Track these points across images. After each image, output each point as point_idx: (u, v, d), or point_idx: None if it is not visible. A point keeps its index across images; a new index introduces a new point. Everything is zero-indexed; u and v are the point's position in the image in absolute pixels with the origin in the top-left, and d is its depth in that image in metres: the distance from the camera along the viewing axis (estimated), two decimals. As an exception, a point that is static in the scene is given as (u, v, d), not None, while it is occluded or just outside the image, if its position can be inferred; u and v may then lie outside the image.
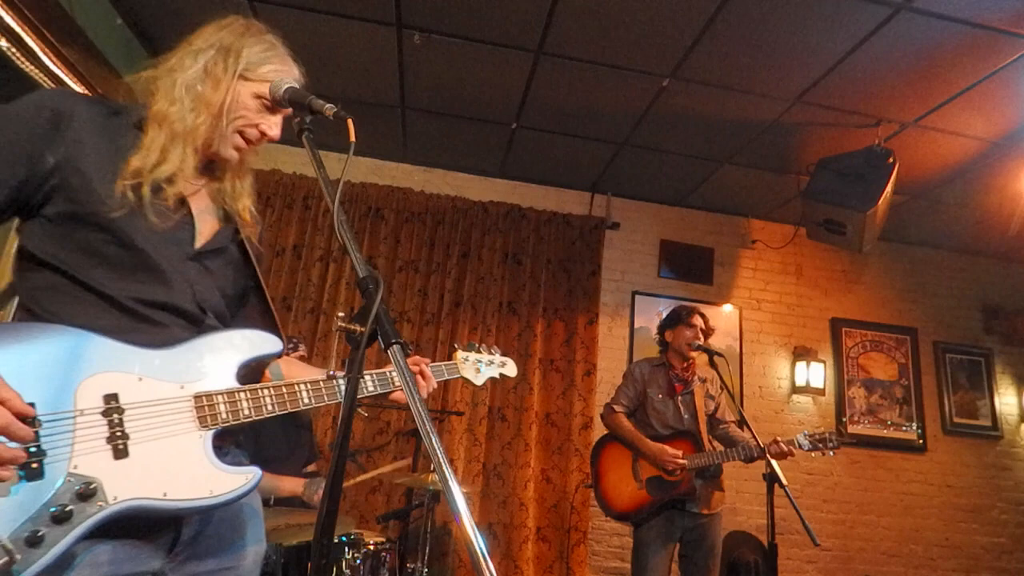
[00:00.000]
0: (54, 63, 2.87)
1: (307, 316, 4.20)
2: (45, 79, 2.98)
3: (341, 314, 0.99)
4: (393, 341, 0.94)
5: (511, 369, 1.85)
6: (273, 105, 1.19)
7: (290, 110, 1.17)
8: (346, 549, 2.53)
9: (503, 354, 1.85)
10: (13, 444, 0.85)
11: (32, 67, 2.89)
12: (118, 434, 0.96)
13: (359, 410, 3.69)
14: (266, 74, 1.17)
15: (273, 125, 1.20)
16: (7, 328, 0.95)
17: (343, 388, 1.23)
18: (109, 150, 1.07)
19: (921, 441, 4.79)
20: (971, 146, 3.80)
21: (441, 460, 0.82)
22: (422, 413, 0.86)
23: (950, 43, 2.96)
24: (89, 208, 1.02)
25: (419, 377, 1.45)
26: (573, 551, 4.09)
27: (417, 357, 1.47)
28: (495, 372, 1.80)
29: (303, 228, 4.38)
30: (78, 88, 3.07)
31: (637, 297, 4.74)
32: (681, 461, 2.92)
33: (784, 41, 3.07)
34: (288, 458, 2.88)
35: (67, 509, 0.88)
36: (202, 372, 1.08)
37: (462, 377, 1.70)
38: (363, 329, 0.93)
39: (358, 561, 2.54)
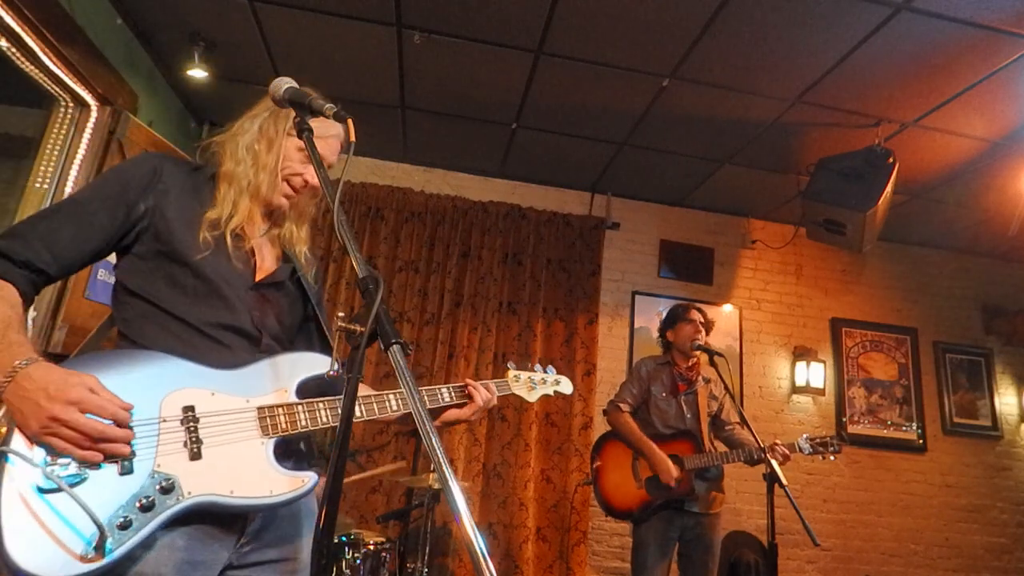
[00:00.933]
0: (54, 63, 2.87)
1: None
2: (45, 79, 2.98)
3: (341, 314, 0.99)
4: (393, 341, 0.94)
5: (566, 387, 1.86)
6: (273, 100, 1.31)
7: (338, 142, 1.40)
8: (346, 549, 2.53)
9: (559, 371, 1.85)
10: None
11: (32, 67, 2.89)
12: (194, 439, 1.12)
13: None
14: (321, 108, 1.26)
15: (311, 173, 1.37)
16: (111, 353, 1.17)
17: (392, 402, 1.38)
18: (190, 200, 1.30)
19: (921, 441, 4.79)
20: (971, 146, 3.80)
21: (441, 460, 0.82)
22: (422, 413, 0.87)
23: (950, 43, 2.96)
24: (171, 247, 1.23)
25: (479, 388, 1.54)
26: (573, 551, 4.09)
27: (469, 380, 1.58)
28: (549, 390, 1.83)
29: (303, 228, 4.37)
30: (78, 88, 3.07)
31: (637, 297, 4.74)
32: (676, 475, 2.90)
33: (784, 41, 3.07)
34: (308, 460, 2.87)
35: (151, 500, 1.04)
36: (265, 388, 1.24)
37: (514, 394, 1.74)
38: (363, 329, 0.93)
39: (358, 561, 2.54)
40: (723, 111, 3.70)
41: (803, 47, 3.10)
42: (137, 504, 1.03)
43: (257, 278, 1.34)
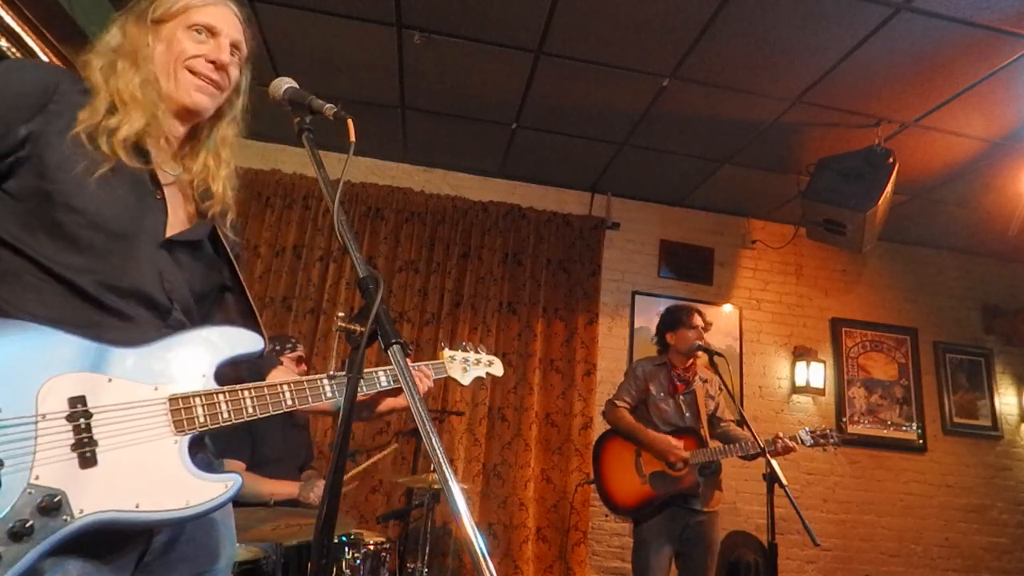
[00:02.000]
0: (54, 63, 2.87)
1: (307, 316, 4.20)
2: (45, 79, 2.98)
3: (341, 314, 0.99)
4: (393, 341, 0.94)
5: (497, 368, 1.78)
6: (209, 31, 1.14)
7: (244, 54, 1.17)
8: (346, 549, 2.52)
9: (491, 353, 1.82)
10: None
11: (32, 67, 2.89)
12: (85, 440, 0.88)
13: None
14: (179, 7, 1.12)
15: (219, 49, 1.14)
16: None
17: (327, 389, 1.19)
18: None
19: (921, 441, 4.79)
20: (971, 146, 3.80)
21: (441, 460, 0.82)
22: (422, 413, 0.86)
23: (950, 43, 2.96)
24: (62, 187, 0.95)
25: (419, 374, 1.42)
26: (573, 551, 4.09)
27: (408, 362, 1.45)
28: (482, 371, 1.75)
29: (303, 228, 4.38)
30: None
31: (637, 297, 4.74)
32: (684, 454, 2.94)
33: (784, 41, 3.07)
34: (284, 459, 2.88)
35: (28, 524, 0.80)
36: (177, 372, 1.00)
37: (449, 376, 1.66)
38: (363, 329, 0.93)
39: (358, 561, 2.54)
40: (723, 111, 3.70)
41: (803, 47, 3.10)
42: (7, 531, 0.79)
43: (168, 233, 1.08)
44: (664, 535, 2.97)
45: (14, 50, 2.77)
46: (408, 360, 1.44)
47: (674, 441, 2.97)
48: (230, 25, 1.17)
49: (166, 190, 1.10)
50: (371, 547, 2.60)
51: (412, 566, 3.04)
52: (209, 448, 1.15)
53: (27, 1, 2.53)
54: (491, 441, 4.22)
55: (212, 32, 1.14)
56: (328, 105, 1.14)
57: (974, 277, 5.27)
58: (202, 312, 1.16)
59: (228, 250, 1.19)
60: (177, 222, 1.11)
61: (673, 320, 3.24)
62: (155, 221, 1.06)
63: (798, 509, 2.42)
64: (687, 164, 4.37)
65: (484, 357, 1.75)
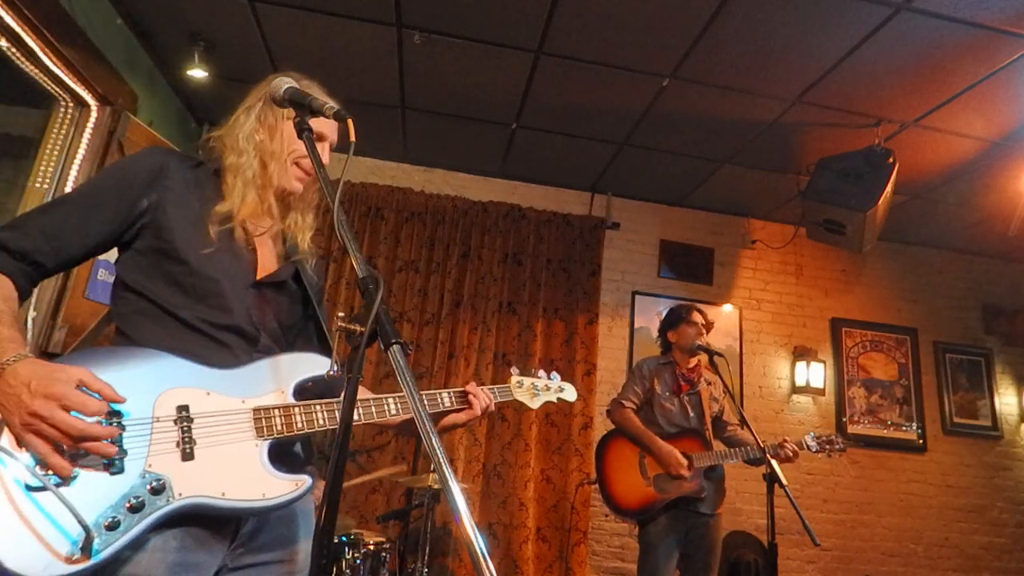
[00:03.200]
0: (54, 63, 2.87)
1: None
2: (45, 79, 2.98)
3: (341, 314, 0.99)
4: (393, 341, 0.94)
5: (570, 394, 1.81)
6: (319, 136, 1.36)
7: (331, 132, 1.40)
8: (346, 549, 2.53)
9: (563, 379, 1.81)
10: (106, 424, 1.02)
11: (32, 67, 2.89)
12: (186, 439, 1.10)
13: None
14: (321, 107, 1.26)
15: (324, 154, 1.37)
16: (105, 350, 1.15)
17: (391, 406, 1.36)
18: (192, 196, 1.28)
19: (921, 441, 4.79)
20: (971, 146, 3.80)
21: (441, 460, 0.82)
22: (422, 413, 0.87)
23: (950, 43, 2.96)
24: (172, 244, 1.21)
25: (478, 394, 1.53)
26: (573, 551, 4.09)
27: (469, 387, 1.55)
28: (553, 397, 1.78)
29: (303, 228, 4.37)
30: (78, 88, 3.07)
31: (637, 297, 4.74)
32: (685, 470, 2.91)
33: (784, 41, 3.07)
34: (303, 463, 2.87)
35: (140, 500, 1.03)
36: (262, 389, 1.22)
37: (516, 400, 1.71)
38: (363, 329, 0.93)
39: (358, 561, 2.54)
40: (723, 111, 3.70)
41: (803, 47, 3.10)
42: (126, 504, 1.01)
43: (258, 276, 1.31)
44: (671, 538, 2.95)
45: (14, 50, 2.77)
46: (410, 360, 1.47)
47: (680, 456, 2.92)
48: (334, 137, 1.44)
49: (257, 241, 1.33)
50: (371, 547, 2.60)
51: (412, 566, 3.05)
52: (298, 455, 1.33)
53: (27, 1, 2.53)
54: (491, 441, 4.22)
55: (320, 139, 1.39)
56: (328, 105, 1.15)
57: (974, 277, 5.27)
58: (289, 339, 1.37)
59: (308, 288, 1.40)
60: (265, 266, 1.33)
61: (674, 318, 3.24)
62: (246, 267, 1.30)
63: (798, 509, 2.42)
64: (687, 164, 4.37)
65: (555, 383, 1.80)
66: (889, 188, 3.56)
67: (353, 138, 1.07)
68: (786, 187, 4.45)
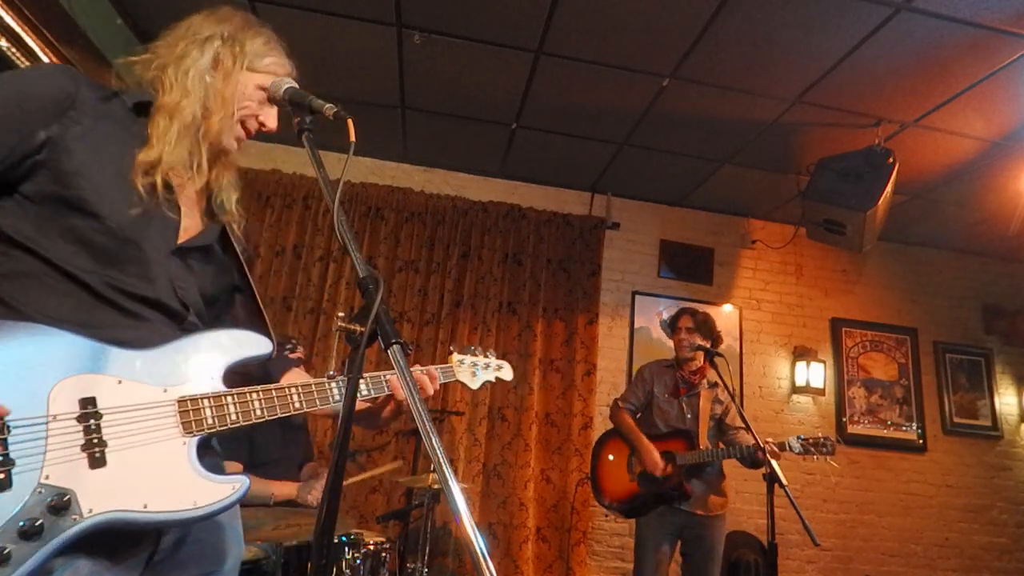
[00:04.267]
0: (54, 63, 2.87)
1: (307, 316, 4.20)
2: (45, 79, 2.98)
3: (341, 314, 0.98)
4: (393, 341, 0.94)
5: (507, 373, 1.77)
6: (271, 97, 1.20)
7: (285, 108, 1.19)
8: (346, 549, 2.52)
9: (500, 356, 1.81)
10: None
11: (32, 67, 2.89)
12: (95, 441, 0.89)
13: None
14: (268, 66, 1.19)
15: (272, 117, 1.21)
16: None
17: (335, 392, 1.19)
18: (108, 135, 1.05)
19: (921, 441, 4.79)
20: (971, 146, 3.80)
21: (441, 460, 0.82)
22: (422, 413, 0.86)
23: (950, 43, 2.96)
24: (78, 193, 0.97)
25: (424, 377, 1.36)
26: (573, 551, 4.09)
27: (417, 366, 1.42)
28: (491, 376, 1.73)
29: (303, 228, 4.38)
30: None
31: (637, 297, 4.74)
32: (658, 468, 2.98)
33: (784, 41, 3.07)
34: (283, 459, 2.87)
35: (37, 523, 0.82)
36: (187, 375, 1.02)
37: (458, 381, 1.64)
38: (363, 329, 0.93)
39: (358, 561, 2.54)
40: (723, 111, 3.70)
41: (803, 47, 3.10)
42: (17, 530, 0.80)
43: (180, 240, 1.10)
44: (659, 533, 3.03)
45: (14, 50, 2.76)
46: (410, 360, 1.41)
47: (656, 457, 3.00)
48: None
49: (178, 196, 1.12)
50: (371, 547, 2.60)
51: (412, 566, 3.04)
52: (217, 451, 1.16)
53: (27, 1, 2.53)
54: (491, 441, 4.22)
55: (272, 100, 1.21)
56: (328, 105, 1.15)
57: (974, 277, 5.26)
58: (213, 314, 1.18)
59: (238, 251, 1.20)
60: (190, 227, 1.13)
61: (669, 325, 3.34)
62: (167, 229, 1.08)
63: (798, 509, 2.42)
64: (687, 164, 4.37)
65: (493, 361, 1.73)
66: (889, 188, 3.56)
67: (353, 138, 1.06)
68: (786, 187, 4.45)
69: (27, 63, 2.85)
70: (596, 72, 3.45)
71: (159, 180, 1.05)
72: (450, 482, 0.80)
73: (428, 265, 4.45)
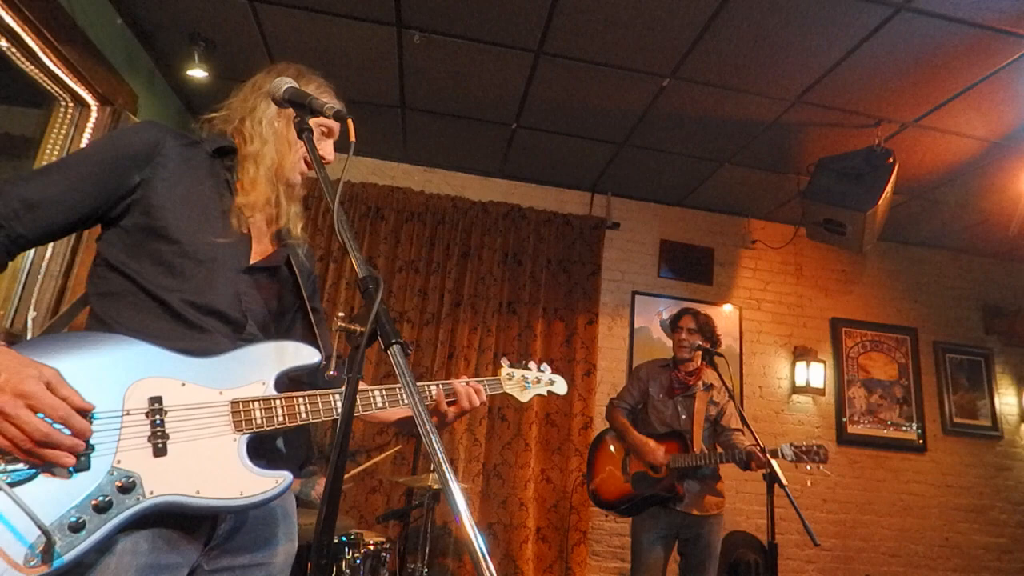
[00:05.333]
0: (54, 63, 2.87)
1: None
2: (45, 79, 2.98)
3: (341, 314, 1.00)
4: (393, 341, 0.94)
5: (561, 387, 1.77)
6: (329, 132, 1.38)
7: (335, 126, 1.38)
8: (346, 549, 2.53)
9: (554, 371, 1.80)
10: (70, 434, 0.95)
11: (32, 67, 2.89)
12: (159, 433, 1.03)
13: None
14: (321, 107, 1.26)
15: (329, 150, 1.39)
16: (73, 336, 1.08)
17: (377, 399, 1.31)
18: (188, 176, 1.23)
19: (921, 441, 4.79)
20: (971, 146, 3.80)
21: (441, 460, 0.82)
22: (422, 413, 0.86)
23: (950, 43, 2.96)
24: (163, 223, 1.15)
25: (470, 390, 1.46)
26: (573, 551, 4.09)
27: (464, 377, 1.51)
28: (543, 390, 1.73)
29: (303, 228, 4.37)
30: (78, 88, 3.07)
31: (637, 297, 4.74)
32: (661, 458, 2.99)
33: (784, 41, 3.07)
34: (284, 459, 2.87)
35: (108, 500, 0.96)
36: (241, 380, 1.15)
37: (505, 392, 1.66)
38: (363, 329, 0.93)
39: (358, 561, 2.54)
40: (723, 111, 3.70)
41: (803, 47, 3.10)
42: (92, 504, 0.94)
43: (251, 261, 1.27)
44: (654, 532, 3.04)
45: (14, 50, 2.77)
46: (410, 360, 1.43)
47: (653, 444, 3.04)
48: (338, 133, 1.40)
49: (251, 225, 1.29)
50: (371, 547, 2.60)
51: (412, 566, 3.05)
52: (279, 451, 1.29)
53: (27, 1, 2.53)
54: (491, 441, 4.21)
55: (330, 135, 1.40)
56: (328, 105, 1.15)
57: (974, 277, 5.26)
58: (282, 327, 1.35)
59: (299, 274, 1.36)
60: (261, 250, 1.30)
61: (670, 325, 3.33)
62: (241, 252, 1.25)
63: (798, 509, 2.42)
64: (687, 164, 4.37)
65: (546, 376, 1.76)
66: (889, 188, 3.56)
67: (353, 138, 1.07)
68: (786, 187, 4.45)
69: (27, 63, 2.86)
70: (596, 72, 3.45)
71: (248, 213, 1.25)
72: (450, 482, 0.80)
73: (428, 265, 4.45)
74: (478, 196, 4.66)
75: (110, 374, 1.03)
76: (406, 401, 1.34)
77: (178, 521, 1.06)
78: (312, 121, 1.26)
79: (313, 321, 1.37)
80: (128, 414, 1.02)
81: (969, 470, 4.80)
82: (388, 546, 2.73)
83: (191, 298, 1.15)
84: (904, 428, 4.78)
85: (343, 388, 1.19)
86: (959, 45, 2.96)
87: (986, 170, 4.01)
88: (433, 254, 4.48)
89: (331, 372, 1.26)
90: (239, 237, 1.25)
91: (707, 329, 3.17)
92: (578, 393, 4.35)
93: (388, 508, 3.90)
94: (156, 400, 1.05)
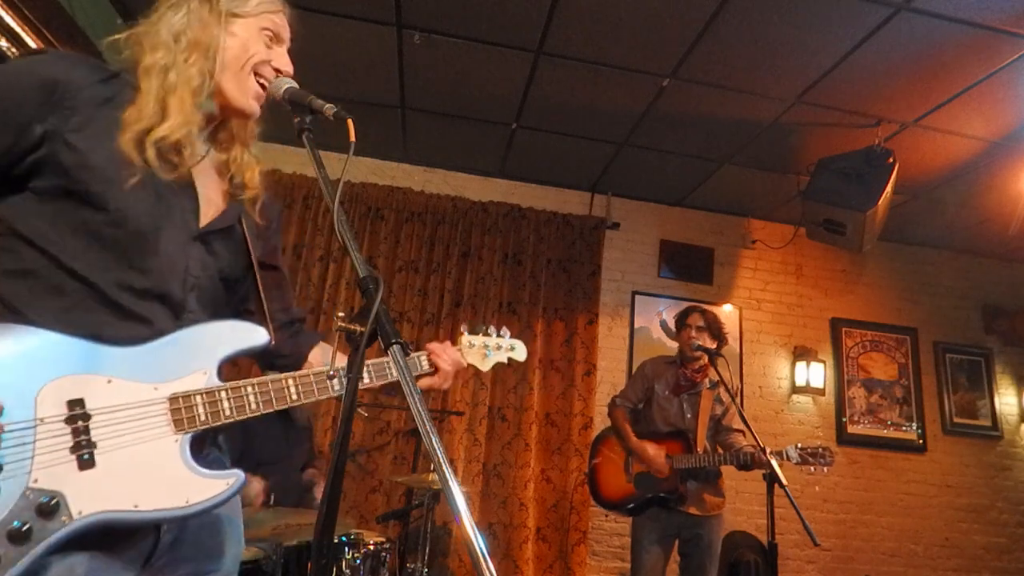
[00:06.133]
0: (44, 51, 2.87)
1: (307, 316, 4.20)
2: (45, 79, 2.98)
3: (341, 314, 0.98)
4: (393, 341, 0.93)
5: (520, 353, 1.68)
6: (275, 38, 1.15)
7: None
8: (346, 549, 2.52)
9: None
10: None
11: (32, 67, 2.89)
12: (83, 443, 0.89)
13: (359, 410, 3.69)
14: (257, 7, 1.12)
15: (283, 58, 1.16)
16: None
17: (335, 384, 1.17)
18: (109, 118, 0.99)
19: (921, 441, 4.79)
20: (971, 146, 3.80)
21: (441, 460, 0.81)
22: (422, 413, 0.86)
23: (950, 43, 2.96)
24: (85, 187, 0.94)
25: (445, 354, 1.36)
26: (573, 551, 4.09)
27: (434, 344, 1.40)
28: (503, 357, 1.64)
29: (303, 228, 4.38)
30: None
31: (637, 297, 4.73)
32: (662, 465, 2.97)
33: (784, 41, 3.07)
34: (286, 459, 2.87)
35: (26, 527, 0.82)
36: (180, 370, 0.99)
37: (468, 363, 1.58)
38: (363, 329, 0.92)
39: (358, 561, 2.54)
40: (723, 111, 3.70)
41: (803, 47, 3.10)
42: (6, 533, 0.80)
43: (202, 223, 1.07)
44: (655, 532, 3.04)
45: (14, 50, 2.76)
46: (408, 359, 1.38)
47: (652, 452, 3.02)
48: (288, 35, 1.18)
49: (196, 176, 1.07)
50: (371, 547, 2.60)
51: (412, 566, 3.04)
52: (222, 445, 1.16)
53: (27, 1, 2.53)
54: (491, 441, 4.21)
55: (279, 40, 1.16)
56: (328, 105, 1.14)
57: (974, 277, 5.26)
58: (238, 297, 1.17)
59: (247, 235, 1.16)
60: (211, 208, 1.09)
61: (676, 321, 3.30)
62: (186, 214, 1.05)
63: (798, 509, 2.42)
64: (687, 164, 4.37)
65: (506, 341, 1.64)
66: (889, 188, 3.56)
67: (353, 138, 1.06)
68: (786, 187, 4.45)
69: (27, 63, 2.85)
70: (596, 72, 3.45)
71: (150, 148, 0.98)
72: (450, 482, 0.79)
73: (428, 265, 4.45)
74: (478, 196, 4.66)
75: (15, 376, 0.86)
76: (371, 382, 1.26)
77: (117, 535, 0.93)
78: (252, 20, 1.11)
79: (260, 288, 1.17)
80: (42, 423, 0.87)
81: (969, 470, 4.80)
82: (388, 546, 2.72)
83: (129, 281, 0.97)
84: (904, 428, 4.78)
85: (296, 373, 1.14)
86: (959, 45, 2.96)
87: (986, 170, 4.01)
88: (433, 254, 4.48)
89: (331, 372, 1.24)
90: (183, 193, 1.05)
91: (715, 327, 3.16)
92: (578, 393, 4.35)
93: (388, 508, 3.90)
94: (77, 403, 0.90)
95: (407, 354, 0.98)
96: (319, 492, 2.89)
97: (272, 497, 2.65)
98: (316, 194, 4.40)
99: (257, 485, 2.59)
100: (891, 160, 3.55)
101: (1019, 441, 4.96)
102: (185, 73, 1.04)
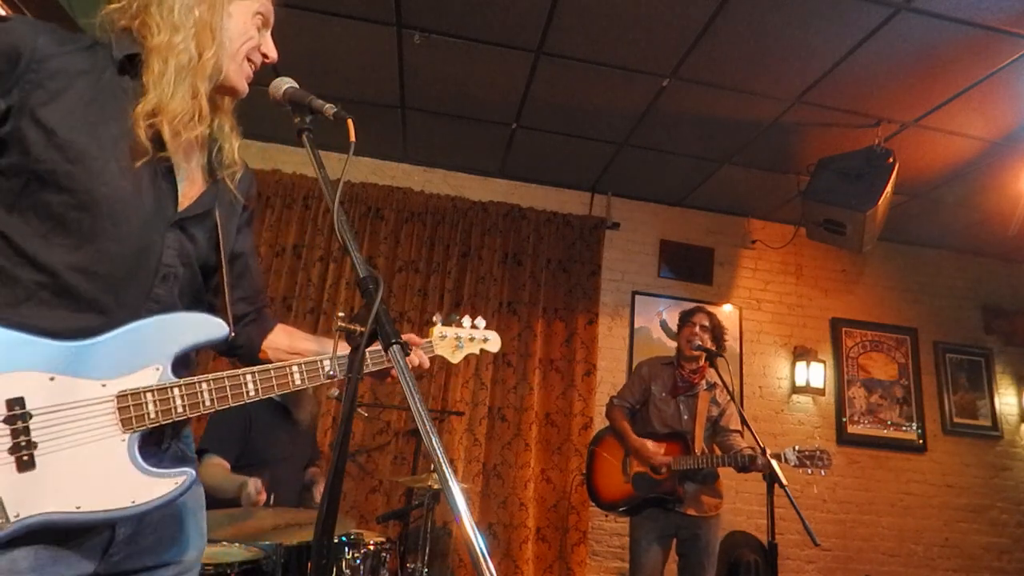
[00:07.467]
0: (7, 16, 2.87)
1: (307, 316, 4.20)
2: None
3: (341, 314, 0.98)
4: (393, 341, 0.93)
5: (494, 344, 1.64)
6: (265, 22, 1.16)
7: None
8: (346, 549, 2.52)
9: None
10: None
11: (32, 67, 2.89)
12: (23, 444, 0.86)
13: (359, 410, 3.69)
14: (321, 107, 1.12)
15: (270, 43, 1.17)
16: None
17: (295, 376, 1.14)
18: (90, 95, 0.94)
19: (921, 441, 4.79)
20: (971, 146, 3.80)
21: (441, 460, 0.81)
22: (422, 413, 0.86)
23: (950, 43, 2.96)
24: (49, 164, 0.89)
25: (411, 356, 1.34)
26: (573, 551, 4.09)
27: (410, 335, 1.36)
28: (476, 348, 1.61)
29: (303, 228, 4.38)
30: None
31: (637, 297, 4.74)
32: (663, 460, 2.98)
33: (784, 41, 3.07)
34: (288, 459, 2.87)
35: None
36: (130, 365, 0.95)
37: (438, 355, 1.54)
38: (363, 329, 0.92)
39: (358, 561, 2.54)
40: (723, 111, 3.70)
41: (803, 47, 3.10)
42: None
43: (180, 207, 1.03)
44: (653, 533, 3.03)
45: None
46: (408, 359, 1.35)
47: (652, 448, 3.04)
48: (273, 20, 1.19)
49: (177, 151, 1.03)
50: (371, 547, 2.60)
51: (412, 566, 3.04)
52: (183, 439, 1.12)
53: (27, 1, 2.53)
54: (491, 441, 4.21)
55: (267, 25, 1.17)
56: (328, 105, 1.14)
57: (974, 277, 5.26)
58: (211, 287, 1.15)
59: (218, 222, 1.11)
60: (190, 191, 1.06)
61: (679, 320, 3.30)
62: (164, 198, 1.00)
63: (798, 509, 2.42)
64: (687, 164, 4.37)
65: (480, 333, 1.62)
66: (889, 188, 3.56)
67: (353, 138, 1.06)
68: (786, 187, 4.45)
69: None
70: (596, 72, 3.45)
71: (166, 130, 0.96)
72: (450, 482, 0.79)
73: (428, 265, 4.45)
74: (478, 196, 4.66)
75: None
76: (331, 374, 1.22)
77: (63, 534, 0.90)
78: (248, 2, 1.10)
79: (225, 279, 1.12)
80: None
81: (969, 470, 4.80)
82: (388, 546, 2.72)
83: (91, 267, 0.92)
84: (904, 428, 4.78)
85: (255, 368, 1.11)
86: (959, 45, 2.96)
87: (986, 170, 4.01)
88: (433, 254, 4.48)
89: (331, 373, 1.23)
90: (159, 175, 1.00)
91: (717, 331, 3.17)
92: (578, 393, 4.35)
93: (388, 508, 3.90)
94: (16, 402, 0.86)
95: (407, 354, 0.98)
96: (319, 492, 2.89)
97: (272, 496, 2.64)
98: (316, 194, 4.40)
99: (258, 484, 2.59)
100: (891, 160, 3.55)
101: (1019, 441, 4.96)
102: (198, 57, 1.02)
